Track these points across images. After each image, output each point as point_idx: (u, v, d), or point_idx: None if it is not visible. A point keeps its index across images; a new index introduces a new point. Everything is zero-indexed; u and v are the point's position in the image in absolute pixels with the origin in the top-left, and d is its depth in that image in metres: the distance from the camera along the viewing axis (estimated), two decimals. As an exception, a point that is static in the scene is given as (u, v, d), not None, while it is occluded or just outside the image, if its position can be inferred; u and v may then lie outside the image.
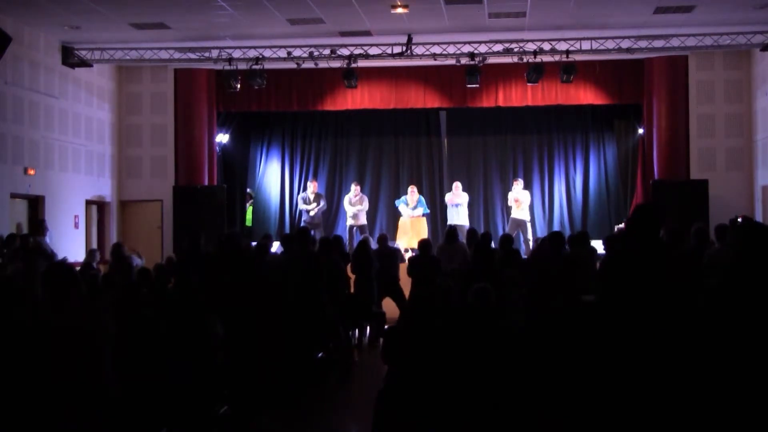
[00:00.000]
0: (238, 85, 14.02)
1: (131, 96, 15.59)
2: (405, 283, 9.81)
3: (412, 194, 14.61)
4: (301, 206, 14.92)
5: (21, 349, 4.09)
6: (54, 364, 4.01)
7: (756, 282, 4.30)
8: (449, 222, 14.72)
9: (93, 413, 4.00)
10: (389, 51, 13.57)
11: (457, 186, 14.77)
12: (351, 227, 14.46)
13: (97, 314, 4.25)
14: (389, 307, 10.06)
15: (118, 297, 5.46)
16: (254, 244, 9.45)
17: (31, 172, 12.52)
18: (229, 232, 8.85)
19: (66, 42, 13.62)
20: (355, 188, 14.80)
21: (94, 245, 14.32)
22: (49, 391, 3.99)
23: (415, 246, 11.33)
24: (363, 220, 14.55)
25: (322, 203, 14.77)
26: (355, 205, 14.50)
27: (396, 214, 15.88)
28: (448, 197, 14.78)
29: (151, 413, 4.55)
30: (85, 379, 4.02)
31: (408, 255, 12.10)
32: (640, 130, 15.30)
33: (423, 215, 14.67)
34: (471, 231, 10.80)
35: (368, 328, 9.89)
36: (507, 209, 15.48)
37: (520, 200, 14.59)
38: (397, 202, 15.01)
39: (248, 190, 16.51)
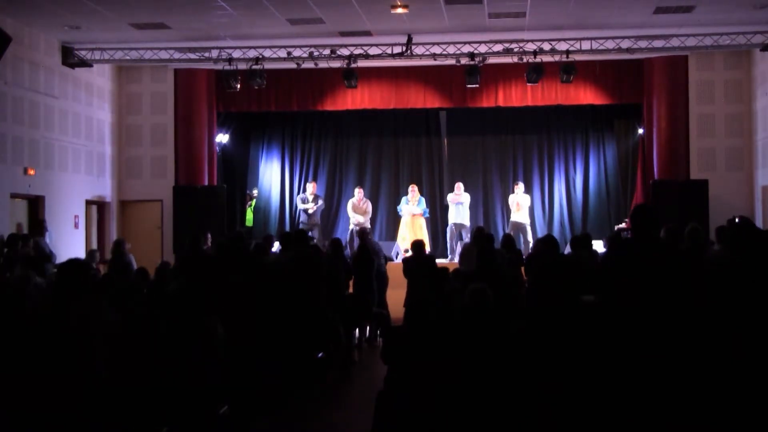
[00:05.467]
0: (238, 85, 14.02)
1: (131, 96, 15.59)
2: (401, 282, 9.79)
3: (413, 193, 14.62)
4: (300, 206, 14.96)
5: (33, 336, 4.27)
6: (62, 350, 4.20)
7: (753, 283, 4.30)
8: (450, 220, 14.75)
9: (87, 403, 4.09)
10: (389, 51, 13.57)
11: (459, 186, 14.79)
12: (352, 230, 14.46)
13: (102, 307, 4.48)
14: (392, 307, 10.06)
15: (118, 296, 5.46)
16: (254, 244, 9.44)
17: (31, 172, 12.52)
18: (234, 232, 8.87)
19: (66, 42, 13.62)
20: (358, 193, 14.79)
21: (94, 245, 14.33)
22: (54, 378, 4.09)
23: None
24: (366, 224, 14.58)
25: (320, 203, 14.79)
26: (359, 213, 14.52)
27: (397, 214, 15.89)
28: (451, 197, 14.79)
29: (151, 412, 4.55)
30: (82, 367, 4.13)
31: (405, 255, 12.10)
32: (640, 130, 15.31)
33: (423, 216, 14.69)
34: (478, 229, 10.78)
35: (368, 328, 9.89)
36: (507, 210, 15.49)
37: (521, 204, 14.62)
38: (399, 208, 14.99)
39: (254, 191, 16.50)
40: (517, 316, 5.39)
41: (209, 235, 11.61)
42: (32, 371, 4.15)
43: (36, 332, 4.28)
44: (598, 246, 9.51)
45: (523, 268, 9.12)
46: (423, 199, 14.84)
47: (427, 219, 14.93)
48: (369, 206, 14.82)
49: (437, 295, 5.36)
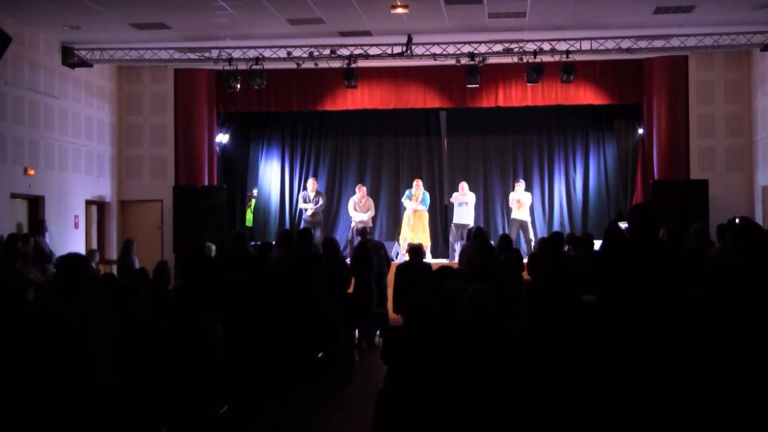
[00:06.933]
0: (238, 85, 14.01)
1: (131, 96, 15.59)
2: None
3: (417, 188, 14.58)
4: (301, 205, 14.95)
5: (31, 332, 4.27)
6: (60, 347, 4.19)
7: (753, 282, 4.30)
8: (454, 221, 14.72)
9: (86, 401, 4.10)
10: (389, 51, 13.56)
11: (463, 186, 14.75)
12: (353, 229, 14.40)
13: (100, 305, 4.46)
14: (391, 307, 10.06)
15: (118, 296, 5.46)
16: (260, 244, 9.41)
17: (31, 172, 12.51)
18: (234, 232, 8.86)
19: (66, 42, 13.62)
20: (359, 191, 14.76)
21: (94, 245, 14.33)
22: (53, 378, 4.09)
23: (419, 242, 11.35)
24: (370, 223, 14.55)
25: (321, 201, 14.77)
26: (360, 212, 14.48)
27: (397, 214, 15.91)
28: (456, 196, 14.75)
29: (151, 413, 4.55)
30: (80, 366, 4.14)
31: (402, 259, 12.10)
32: (640, 130, 15.31)
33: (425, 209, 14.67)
34: (478, 229, 10.78)
35: (368, 328, 9.88)
36: (507, 209, 15.48)
37: (521, 201, 14.61)
38: (403, 199, 14.97)
39: (254, 191, 16.48)
40: (517, 316, 5.39)
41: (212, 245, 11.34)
42: (31, 370, 4.15)
43: (35, 331, 4.28)
44: (598, 246, 9.48)
45: (525, 267, 9.13)
46: (427, 194, 14.76)
47: (429, 212, 14.87)
48: (371, 204, 14.77)
49: (437, 295, 5.35)
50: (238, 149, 16.71)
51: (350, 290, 9.43)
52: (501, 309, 5.05)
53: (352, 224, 14.54)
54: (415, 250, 9.69)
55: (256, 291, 6.69)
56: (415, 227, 14.22)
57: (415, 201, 14.45)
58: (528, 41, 13.32)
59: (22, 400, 4.09)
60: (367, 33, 13.23)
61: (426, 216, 14.62)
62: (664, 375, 3.99)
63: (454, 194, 14.88)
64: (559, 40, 13.22)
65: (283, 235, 9.04)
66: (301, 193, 15.38)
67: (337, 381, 7.80)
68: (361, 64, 13.85)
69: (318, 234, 13.96)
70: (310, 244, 8.45)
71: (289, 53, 13.69)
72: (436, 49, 13.59)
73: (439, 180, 16.51)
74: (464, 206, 14.52)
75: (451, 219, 14.93)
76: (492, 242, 10.58)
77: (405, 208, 14.76)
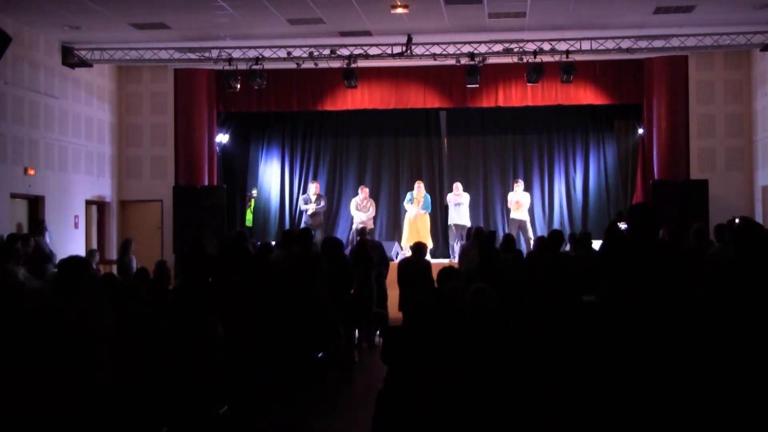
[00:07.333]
0: (238, 85, 14.01)
1: (131, 96, 15.59)
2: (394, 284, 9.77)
3: (419, 190, 14.58)
4: (302, 206, 14.95)
5: (31, 332, 4.28)
6: (60, 347, 4.21)
7: (753, 282, 4.30)
8: (450, 221, 14.76)
9: (86, 401, 4.10)
10: (389, 51, 13.57)
11: (458, 186, 14.80)
12: (353, 230, 14.40)
13: (100, 305, 4.49)
14: (392, 307, 10.06)
15: (118, 296, 5.46)
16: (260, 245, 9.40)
17: (31, 172, 12.51)
18: (236, 232, 8.86)
19: (66, 42, 13.62)
20: (362, 192, 14.78)
21: (94, 245, 14.33)
22: (53, 378, 4.10)
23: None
24: (370, 224, 14.55)
25: (322, 203, 14.78)
26: (362, 211, 14.50)
27: (397, 214, 15.90)
28: (450, 197, 14.79)
29: (151, 413, 4.55)
30: (80, 366, 4.15)
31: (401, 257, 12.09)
32: (640, 130, 15.31)
33: (427, 213, 14.68)
34: (477, 229, 10.77)
35: (368, 328, 9.88)
36: (507, 209, 15.49)
37: (520, 202, 14.62)
38: (405, 203, 14.98)
39: (253, 191, 16.47)
40: (517, 316, 5.39)
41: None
42: (32, 370, 4.15)
43: (35, 331, 4.28)
44: (598, 245, 9.49)
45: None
46: (428, 196, 14.78)
47: (430, 215, 14.89)
48: (372, 205, 14.79)
49: (436, 295, 5.35)
50: (238, 149, 16.72)
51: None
52: (501, 309, 5.05)
53: (354, 224, 14.53)
54: (419, 247, 9.72)
55: (256, 291, 6.69)
56: (416, 232, 14.20)
57: (417, 205, 14.46)
58: (528, 41, 13.32)
59: (23, 401, 4.09)
60: (367, 33, 13.23)
61: (427, 219, 14.64)
62: (664, 375, 3.99)
63: (449, 195, 14.92)
64: (559, 40, 13.22)
65: (285, 234, 9.04)
66: (302, 196, 15.38)
67: (337, 381, 7.79)
68: (361, 64, 13.85)
69: (318, 236, 13.95)
70: (310, 243, 8.43)
71: (289, 53, 13.69)
72: (436, 49, 13.59)
73: (439, 180, 16.52)
74: (459, 207, 14.58)
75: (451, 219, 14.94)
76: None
77: (406, 211, 14.77)
